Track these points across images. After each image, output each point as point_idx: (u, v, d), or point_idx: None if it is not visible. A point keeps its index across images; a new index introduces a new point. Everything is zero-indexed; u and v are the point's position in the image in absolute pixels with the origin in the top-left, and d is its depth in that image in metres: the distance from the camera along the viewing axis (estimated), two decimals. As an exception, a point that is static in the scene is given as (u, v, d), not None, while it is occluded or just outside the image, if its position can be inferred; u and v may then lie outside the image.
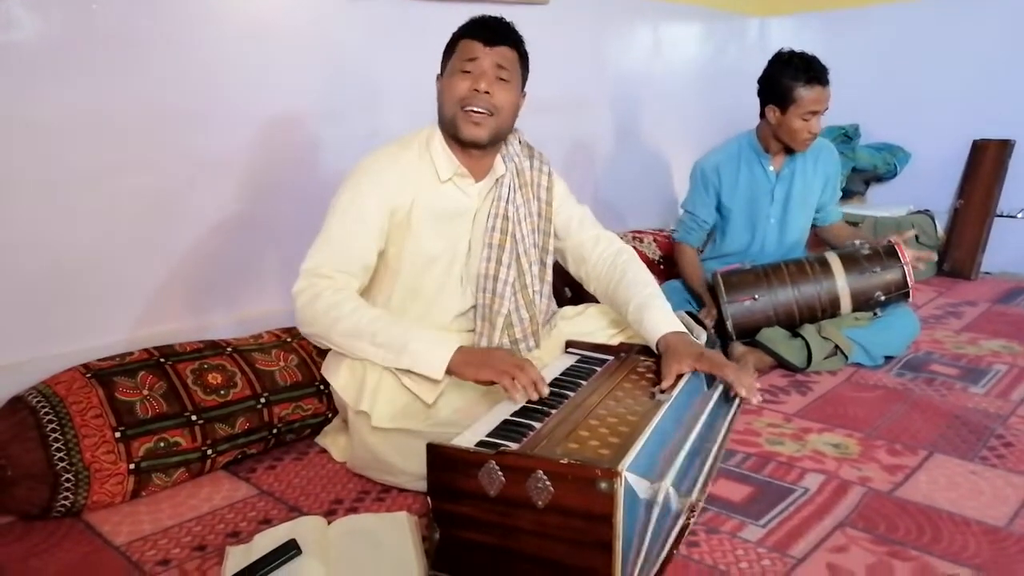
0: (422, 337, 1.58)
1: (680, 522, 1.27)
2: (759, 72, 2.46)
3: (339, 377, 1.68)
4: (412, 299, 1.76)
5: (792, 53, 2.41)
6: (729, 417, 1.61)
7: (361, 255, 1.67)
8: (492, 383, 1.50)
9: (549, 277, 1.88)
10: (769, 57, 2.45)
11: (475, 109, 1.64)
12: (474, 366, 1.54)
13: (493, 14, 1.71)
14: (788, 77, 2.36)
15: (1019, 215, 3.51)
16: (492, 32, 1.66)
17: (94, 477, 1.52)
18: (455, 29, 1.71)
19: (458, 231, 1.76)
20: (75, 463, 1.50)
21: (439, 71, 1.73)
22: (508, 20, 1.71)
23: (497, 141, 1.74)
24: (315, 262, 1.63)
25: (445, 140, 1.73)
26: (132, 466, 1.56)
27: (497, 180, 1.78)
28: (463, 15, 1.72)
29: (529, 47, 1.74)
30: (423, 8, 2.50)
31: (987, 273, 3.56)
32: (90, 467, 1.51)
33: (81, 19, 1.81)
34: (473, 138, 1.67)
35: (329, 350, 1.71)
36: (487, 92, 1.64)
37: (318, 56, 2.29)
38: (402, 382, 1.59)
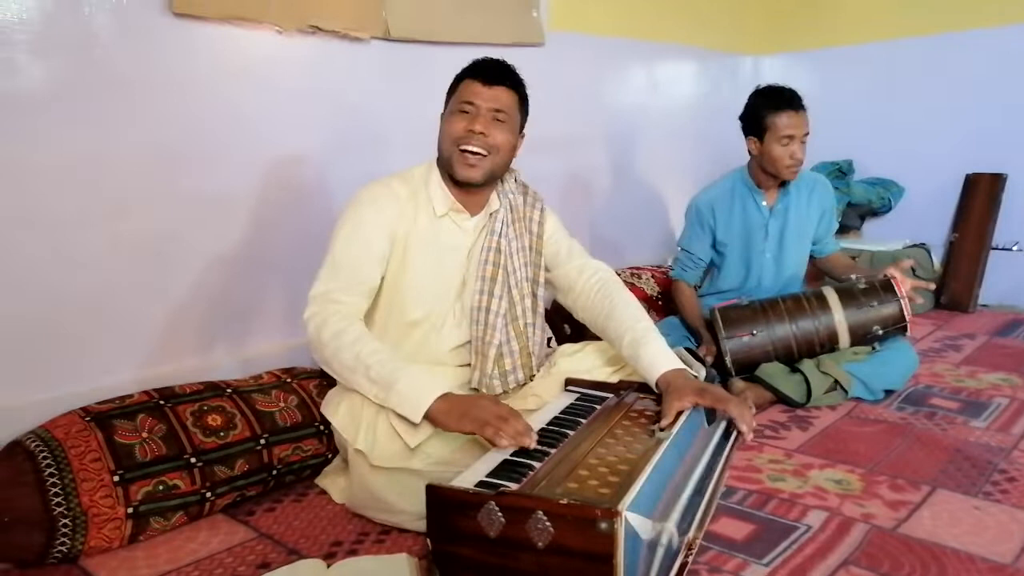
0: (410, 377, 1.55)
1: (679, 560, 1.26)
2: (751, 110, 2.51)
3: (338, 415, 1.68)
4: (407, 332, 1.78)
5: (766, 86, 2.49)
6: (726, 452, 1.61)
7: (367, 278, 1.71)
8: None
9: (541, 309, 1.91)
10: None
11: (471, 149, 1.68)
12: (455, 416, 1.50)
13: (495, 56, 1.77)
14: (760, 107, 2.44)
15: (1014, 248, 3.53)
16: (491, 73, 1.71)
17: (92, 522, 1.50)
18: (457, 71, 1.76)
19: (454, 266, 1.80)
20: (73, 508, 1.49)
21: (443, 110, 1.77)
22: (509, 63, 1.76)
23: (492, 180, 1.78)
24: (324, 288, 1.67)
25: (442, 176, 1.77)
26: (130, 510, 1.55)
27: (491, 215, 1.82)
28: (464, 57, 1.75)
29: (527, 87, 1.77)
30: (425, 51, 2.55)
31: (984, 306, 3.57)
32: (88, 512, 1.50)
33: (83, 65, 1.84)
34: (467, 178, 1.71)
35: (330, 389, 1.71)
36: (483, 132, 1.67)
37: (321, 98, 2.32)
38: (391, 422, 1.58)
